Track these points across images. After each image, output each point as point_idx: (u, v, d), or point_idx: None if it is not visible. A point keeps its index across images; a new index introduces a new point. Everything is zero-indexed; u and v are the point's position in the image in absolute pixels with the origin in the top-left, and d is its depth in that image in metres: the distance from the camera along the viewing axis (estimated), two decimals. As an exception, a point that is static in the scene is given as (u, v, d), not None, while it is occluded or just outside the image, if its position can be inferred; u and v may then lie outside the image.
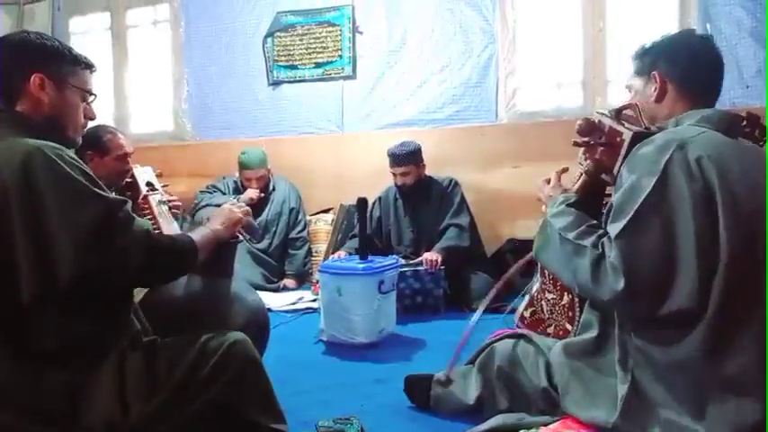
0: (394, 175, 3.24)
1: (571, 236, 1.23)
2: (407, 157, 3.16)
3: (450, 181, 3.29)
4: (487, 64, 3.70)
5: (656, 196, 1.12)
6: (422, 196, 3.26)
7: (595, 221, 1.28)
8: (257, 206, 3.55)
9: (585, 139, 1.35)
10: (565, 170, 1.53)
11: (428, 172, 3.31)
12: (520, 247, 3.39)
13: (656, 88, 1.34)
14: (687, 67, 1.32)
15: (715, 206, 1.09)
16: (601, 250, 1.16)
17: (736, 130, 1.23)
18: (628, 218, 1.13)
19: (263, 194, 3.58)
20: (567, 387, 1.30)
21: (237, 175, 3.67)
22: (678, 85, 1.32)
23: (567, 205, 1.33)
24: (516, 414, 1.42)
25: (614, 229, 1.15)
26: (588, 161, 1.38)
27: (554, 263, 1.31)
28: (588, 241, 1.19)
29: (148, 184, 2.10)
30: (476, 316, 1.71)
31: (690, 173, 1.11)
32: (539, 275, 1.61)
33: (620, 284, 1.10)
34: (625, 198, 1.16)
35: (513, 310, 2.19)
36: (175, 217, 2.11)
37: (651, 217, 1.12)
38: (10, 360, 1.02)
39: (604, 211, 1.35)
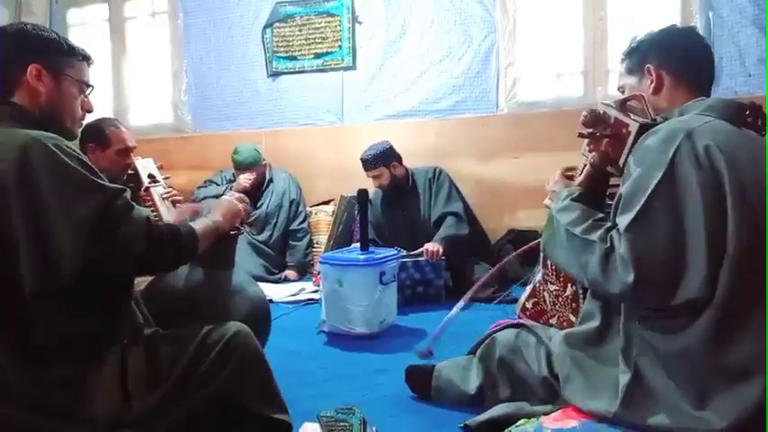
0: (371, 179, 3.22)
1: (578, 231, 1.22)
2: (374, 160, 3.14)
3: (435, 170, 3.26)
4: (488, 54, 3.68)
5: (665, 187, 1.11)
6: (407, 193, 3.24)
7: (602, 215, 1.27)
8: (254, 197, 3.56)
9: (590, 130, 1.34)
10: (570, 169, 1.51)
11: (425, 163, 3.29)
12: (520, 237, 3.40)
13: (652, 81, 1.33)
14: (679, 54, 1.32)
15: (724, 195, 1.08)
16: (609, 244, 1.15)
17: (741, 119, 1.22)
18: (636, 209, 1.12)
19: (255, 183, 3.59)
20: (567, 376, 1.30)
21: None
22: (673, 73, 1.32)
23: (572, 200, 1.32)
24: (517, 403, 1.42)
25: (623, 221, 1.14)
26: (593, 153, 1.36)
27: (562, 258, 1.30)
28: (596, 236, 1.18)
29: (150, 176, 2.09)
30: (461, 302, 1.73)
31: (698, 162, 1.10)
32: (541, 266, 1.61)
33: (631, 277, 1.09)
34: (633, 190, 1.15)
35: (510, 300, 2.19)
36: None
37: (660, 208, 1.10)
38: (12, 354, 1.02)
39: (609, 202, 1.35)
